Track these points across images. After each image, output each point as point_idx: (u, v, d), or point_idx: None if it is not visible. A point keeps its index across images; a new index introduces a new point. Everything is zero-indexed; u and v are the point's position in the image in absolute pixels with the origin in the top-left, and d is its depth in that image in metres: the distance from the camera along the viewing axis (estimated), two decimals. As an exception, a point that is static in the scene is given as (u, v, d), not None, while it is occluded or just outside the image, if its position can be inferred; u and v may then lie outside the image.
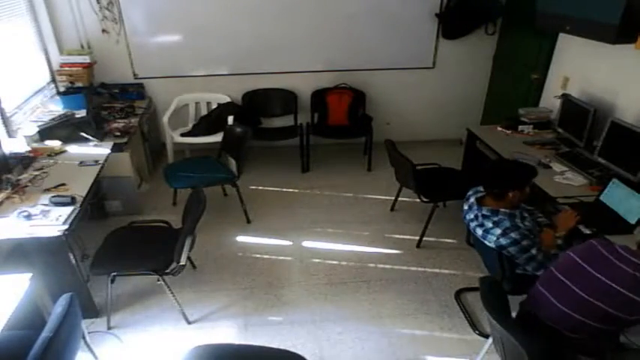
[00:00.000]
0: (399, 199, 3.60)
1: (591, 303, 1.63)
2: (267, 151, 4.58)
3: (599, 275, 1.64)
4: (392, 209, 3.65)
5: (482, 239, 2.17)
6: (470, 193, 2.35)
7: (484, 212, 2.15)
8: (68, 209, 2.30)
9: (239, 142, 3.40)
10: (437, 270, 2.99)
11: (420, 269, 2.99)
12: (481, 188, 2.30)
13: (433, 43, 4.35)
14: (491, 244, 2.12)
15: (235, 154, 3.45)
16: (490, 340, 2.16)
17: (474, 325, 2.53)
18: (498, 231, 2.08)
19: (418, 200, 3.13)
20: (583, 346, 1.72)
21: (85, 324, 2.45)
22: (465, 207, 2.32)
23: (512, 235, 2.05)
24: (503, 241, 2.06)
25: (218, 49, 4.18)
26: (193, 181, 3.22)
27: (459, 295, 2.76)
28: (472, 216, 2.23)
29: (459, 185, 2.51)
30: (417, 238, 3.22)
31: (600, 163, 2.78)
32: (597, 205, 2.39)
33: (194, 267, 2.98)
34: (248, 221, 3.50)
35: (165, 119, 4.09)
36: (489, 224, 2.12)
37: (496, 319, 1.66)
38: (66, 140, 3.11)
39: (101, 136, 3.25)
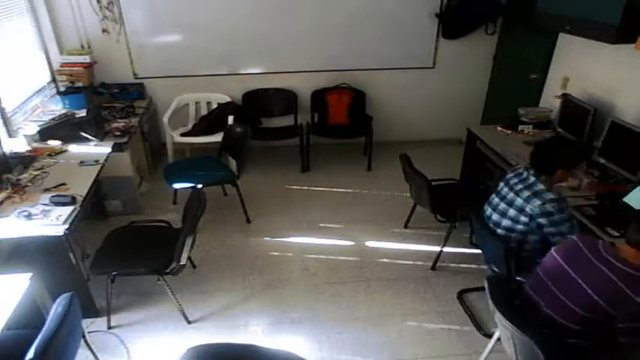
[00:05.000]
0: (399, 194, 3.53)
1: (571, 308, 1.65)
2: (267, 151, 4.58)
3: (578, 279, 1.64)
4: (405, 226, 3.41)
5: (523, 202, 2.17)
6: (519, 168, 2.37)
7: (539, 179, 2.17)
8: (68, 209, 2.30)
9: (239, 142, 3.40)
10: (437, 269, 2.98)
11: (420, 268, 3.00)
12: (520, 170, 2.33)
13: (433, 43, 4.35)
14: (535, 208, 2.11)
15: (235, 153, 3.45)
16: (493, 339, 2.15)
17: (479, 326, 2.52)
18: (550, 195, 2.10)
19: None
20: (580, 347, 1.71)
21: (85, 323, 2.46)
22: (511, 173, 2.34)
23: (562, 205, 2.11)
24: (550, 207, 2.09)
25: (218, 49, 4.18)
26: (193, 180, 3.22)
27: (461, 295, 2.75)
28: (516, 180, 2.25)
29: (475, 201, 2.53)
30: (417, 236, 3.22)
31: (600, 162, 2.78)
32: (621, 208, 2.33)
33: (194, 267, 2.98)
34: (248, 221, 3.50)
35: (165, 119, 4.09)
36: (541, 186, 2.14)
37: (507, 317, 1.65)
38: (66, 140, 3.11)
39: (101, 135, 3.25)
